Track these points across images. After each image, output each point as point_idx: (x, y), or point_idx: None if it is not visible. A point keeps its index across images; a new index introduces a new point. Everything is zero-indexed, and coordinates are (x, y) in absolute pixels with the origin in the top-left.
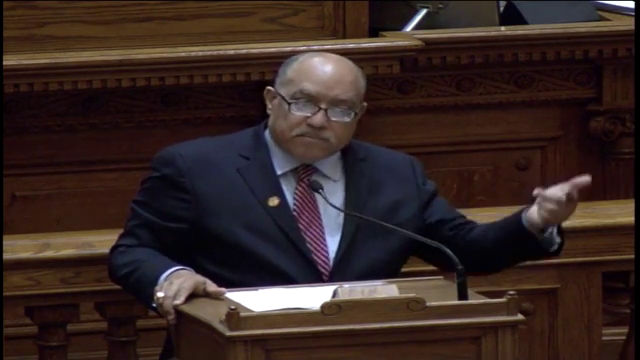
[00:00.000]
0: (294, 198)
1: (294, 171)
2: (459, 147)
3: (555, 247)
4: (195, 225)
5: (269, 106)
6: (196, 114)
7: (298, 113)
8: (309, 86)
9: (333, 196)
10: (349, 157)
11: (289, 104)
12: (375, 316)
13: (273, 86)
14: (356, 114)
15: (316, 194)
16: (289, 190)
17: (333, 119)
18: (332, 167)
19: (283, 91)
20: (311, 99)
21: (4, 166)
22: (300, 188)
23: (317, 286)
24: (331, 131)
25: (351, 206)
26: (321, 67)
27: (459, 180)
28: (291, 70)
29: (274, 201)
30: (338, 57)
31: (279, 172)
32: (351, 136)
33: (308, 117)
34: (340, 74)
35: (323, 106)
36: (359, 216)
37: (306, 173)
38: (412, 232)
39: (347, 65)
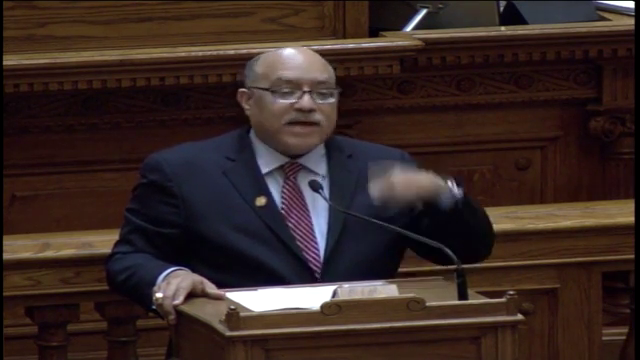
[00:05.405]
0: (282, 197)
1: (280, 169)
2: (459, 147)
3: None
4: (186, 229)
5: (246, 107)
6: (196, 114)
7: (283, 100)
8: (287, 73)
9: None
10: (334, 153)
11: (272, 92)
12: (375, 316)
13: (243, 88)
14: (337, 94)
15: (305, 192)
16: (276, 189)
17: (318, 101)
18: (318, 163)
19: (261, 85)
20: (292, 85)
21: (4, 166)
22: (287, 186)
23: (316, 286)
24: (320, 114)
25: (336, 203)
26: (291, 56)
27: None
28: (260, 67)
29: (261, 201)
30: (301, 47)
31: (265, 171)
32: (335, 122)
33: (294, 103)
34: (311, 58)
35: (306, 89)
36: (356, 215)
37: (292, 170)
38: (403, 226)
39: (313, 52)
